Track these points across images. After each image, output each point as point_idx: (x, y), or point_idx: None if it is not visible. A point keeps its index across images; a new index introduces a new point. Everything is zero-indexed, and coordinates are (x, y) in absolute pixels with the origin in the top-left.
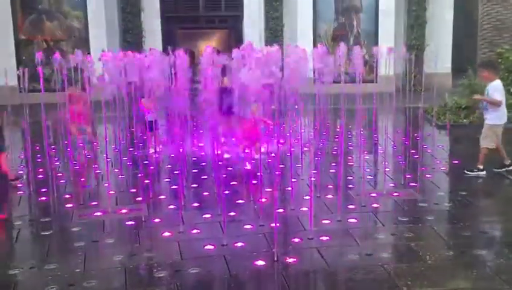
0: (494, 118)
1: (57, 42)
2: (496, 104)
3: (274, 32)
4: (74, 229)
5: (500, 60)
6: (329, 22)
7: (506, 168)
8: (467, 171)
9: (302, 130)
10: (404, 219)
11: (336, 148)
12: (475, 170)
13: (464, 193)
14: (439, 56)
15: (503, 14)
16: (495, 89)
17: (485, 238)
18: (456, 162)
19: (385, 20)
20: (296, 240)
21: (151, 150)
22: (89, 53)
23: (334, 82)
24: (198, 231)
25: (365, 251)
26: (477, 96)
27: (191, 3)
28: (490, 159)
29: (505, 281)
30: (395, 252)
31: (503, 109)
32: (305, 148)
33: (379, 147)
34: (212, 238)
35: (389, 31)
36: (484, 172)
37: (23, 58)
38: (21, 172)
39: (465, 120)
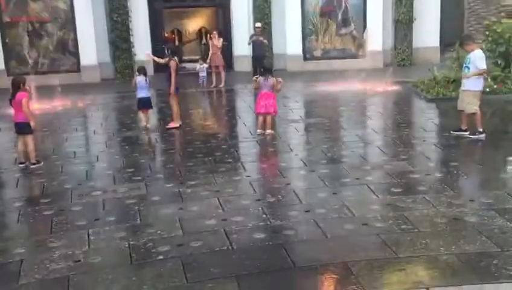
0: (478, 85)
1: (43, 24)
2: (483, 73)
3: (262, 10)
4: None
5: (487, 33)
6: None
7: (462, 133)
8: (469, 135)
9: None
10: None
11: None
12: (477, 133)
13: None
14: (428, 30)
15: None
16: (480, 57)
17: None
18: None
19: None
20: None
21: None
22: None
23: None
24: None
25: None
26: (469, 75)
27: None
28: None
29: None
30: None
31: (483, 76)
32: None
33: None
34: None
35: (377, 5)
36: (484, 134)
37: (6, 41)
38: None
39: (453, 93)
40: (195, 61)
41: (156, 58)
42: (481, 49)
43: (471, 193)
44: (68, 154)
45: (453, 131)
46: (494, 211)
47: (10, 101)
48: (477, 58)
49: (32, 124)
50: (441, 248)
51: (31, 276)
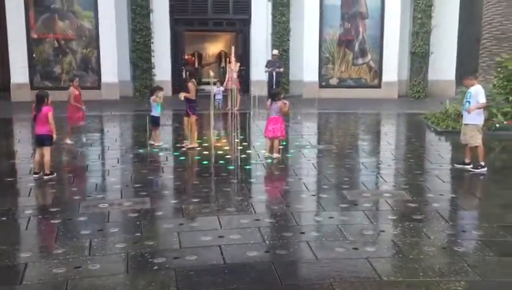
0: (480, 119)
1: (68, 41)
2: (483, 107)
3: (281, 37)
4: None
5: (499, 69)
6: (335, 27)
7: (465, 166)
8: (472, 168)
9: None
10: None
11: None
12: (479, 167)
13: None
14: (444, 63)
15: (504, 24)
16: (481, 92)
17: None
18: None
19: (390, 26)
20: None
21: None
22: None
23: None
24: None
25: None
26: (472, 108)
27: (200, 6)
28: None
29: None
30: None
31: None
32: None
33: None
34: None
35: (394, 37)
36: (485, 169)
37: (33, 56)
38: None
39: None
40: (214, 84)
41: (187, 95)
42: (493, 85)
43: (464, 225)
44: (81, 167)
45: (457, 164)
46: (483, 243)
47: (34, 116)
48: (478, 93)
49: (54, 136)
50: (425, 274)
51: (34, 278)
